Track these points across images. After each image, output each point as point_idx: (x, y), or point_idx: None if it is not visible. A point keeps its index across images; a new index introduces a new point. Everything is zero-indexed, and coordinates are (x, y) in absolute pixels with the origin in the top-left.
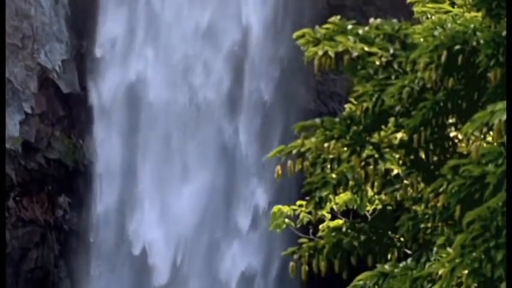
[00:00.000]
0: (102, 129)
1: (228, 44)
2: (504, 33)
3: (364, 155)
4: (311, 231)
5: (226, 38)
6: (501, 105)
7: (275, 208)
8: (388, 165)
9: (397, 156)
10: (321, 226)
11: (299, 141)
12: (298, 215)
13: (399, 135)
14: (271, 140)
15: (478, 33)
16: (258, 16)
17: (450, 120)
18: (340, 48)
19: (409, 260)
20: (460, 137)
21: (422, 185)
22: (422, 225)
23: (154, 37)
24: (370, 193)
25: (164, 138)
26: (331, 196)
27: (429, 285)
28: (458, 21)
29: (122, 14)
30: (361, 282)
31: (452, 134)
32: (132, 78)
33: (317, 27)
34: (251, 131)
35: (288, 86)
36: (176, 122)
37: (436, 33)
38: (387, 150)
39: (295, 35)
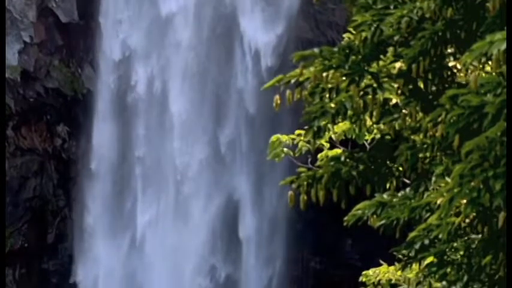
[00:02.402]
0: None
1: None
2: None
3: (362, 84)
4: (309, 160)
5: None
6: (500, 35)
7: (273, 137)
8: (387, 95)
9: (395, 85)
10: (319, 155)
11: (297, 70)
12: (297, 144)
13: (398, 64)
14: None
15: None
16: None
17: (449, 50)
18: None
19: (408, 189)
20: (458, 66)
21: (421, 114)
22: (420, 155)
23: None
24: (368, 123)
25: None
26: (329, 125)
27: (427, 214)
28: None
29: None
30: (359, 212)
31: (451, 64)
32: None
33: None
34: None
35: None
36: None
37: None
38: (386, 79)
39: None
